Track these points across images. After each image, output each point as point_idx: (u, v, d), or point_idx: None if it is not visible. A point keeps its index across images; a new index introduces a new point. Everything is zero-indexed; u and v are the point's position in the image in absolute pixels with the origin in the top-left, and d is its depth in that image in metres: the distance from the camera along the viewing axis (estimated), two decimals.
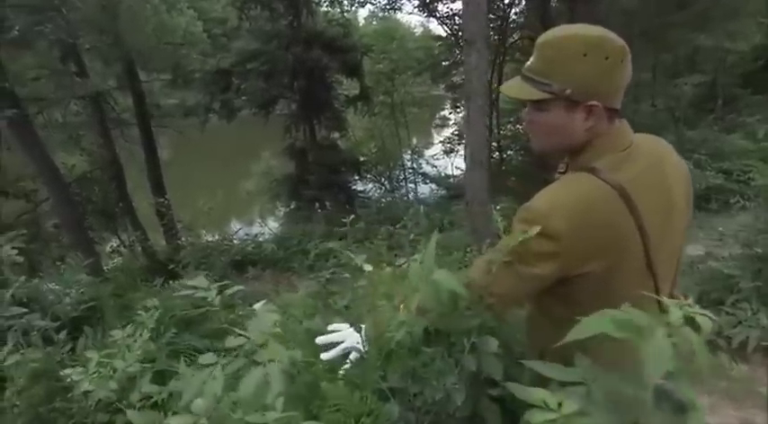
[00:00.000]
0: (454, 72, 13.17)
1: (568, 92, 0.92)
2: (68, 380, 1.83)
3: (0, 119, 4.56)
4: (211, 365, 0.82)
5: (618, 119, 0.98)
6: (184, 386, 0.79)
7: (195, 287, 1.12)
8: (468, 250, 4.05)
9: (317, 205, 11.25)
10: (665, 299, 0.64)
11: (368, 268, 1.03)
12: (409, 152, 13.91)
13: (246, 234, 9.94)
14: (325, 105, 10.93)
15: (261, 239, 9.73)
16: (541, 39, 0.95)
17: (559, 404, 0.61)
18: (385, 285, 1.01)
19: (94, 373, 1.89)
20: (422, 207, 6.34)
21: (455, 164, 14.42)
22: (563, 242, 0.88)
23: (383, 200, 12.27)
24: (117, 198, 7.90)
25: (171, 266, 5.24)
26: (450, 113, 15.09)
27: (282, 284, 8.15)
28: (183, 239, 8.60)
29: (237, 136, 16.51)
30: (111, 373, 1.94)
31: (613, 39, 0.91)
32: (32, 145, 5.15)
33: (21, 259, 2.25)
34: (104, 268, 6.22)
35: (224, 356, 0.84)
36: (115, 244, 8.26)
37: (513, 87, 0.99)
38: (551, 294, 0.97)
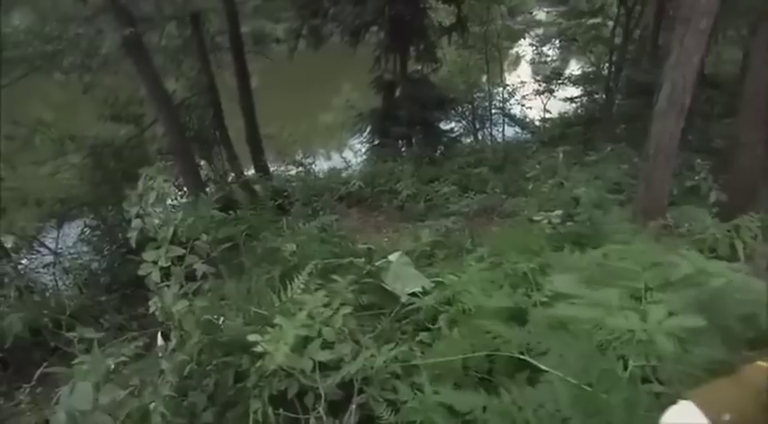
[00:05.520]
0: None
1: None
2: (257, 348, 1.63)
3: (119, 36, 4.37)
4: None
5: None
6: None
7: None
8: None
9: (401, 142, 10.73)
10: None
11: None
12: (500, 90, 12.79)
13: (332, 169, 9.76)
14: (417, 34, 10.02)
15: (344, 175, 9.49)
16: None
17: None
18: None
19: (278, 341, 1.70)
20: (561, 153, 5.63)
21: (548, 107, 13.21)
22: None
23: (475, 142, 11.54)
24: (213, 125, 7.82)
25: (278, 200, 5.09)
26: (549, 49, 13.55)
27: (372, 224, 7.99)
28: (278, 171, 8.56)
29: (319, 65, 15.96)
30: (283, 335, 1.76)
31: None
32: (144, 68, 5.01)
33: (172, 191, 2.01)
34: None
35: None
36: (210, 173, 8.32)
37: None
38: None
